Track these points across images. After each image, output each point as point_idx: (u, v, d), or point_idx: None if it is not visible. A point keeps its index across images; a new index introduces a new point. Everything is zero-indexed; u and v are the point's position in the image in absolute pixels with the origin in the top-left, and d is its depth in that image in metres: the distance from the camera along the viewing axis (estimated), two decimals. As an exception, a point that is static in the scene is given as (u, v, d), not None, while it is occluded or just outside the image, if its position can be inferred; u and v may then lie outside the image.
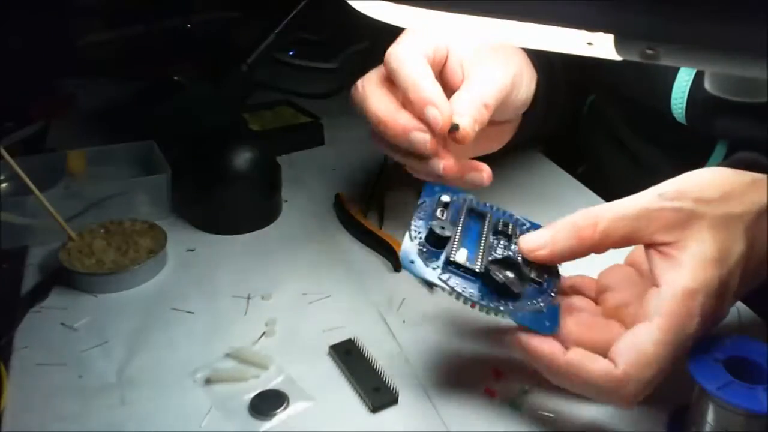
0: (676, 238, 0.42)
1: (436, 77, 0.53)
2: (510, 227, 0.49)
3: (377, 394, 0.48)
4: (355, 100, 0.54)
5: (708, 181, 0.45)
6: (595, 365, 0.42)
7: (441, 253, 0.46)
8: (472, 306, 0.45)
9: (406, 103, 0.51)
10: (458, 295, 0.44)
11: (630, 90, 0.70)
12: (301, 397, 0.49)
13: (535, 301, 0.45)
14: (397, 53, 0.52)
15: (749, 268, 0.44)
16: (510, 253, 0.47)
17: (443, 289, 0.45)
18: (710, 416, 0.41)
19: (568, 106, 0.76)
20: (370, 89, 0.53)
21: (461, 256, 0.46)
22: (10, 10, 1.01)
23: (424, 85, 0.50)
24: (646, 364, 0.41)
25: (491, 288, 0.45)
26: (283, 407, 0.48)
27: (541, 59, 0.64)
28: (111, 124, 0.92)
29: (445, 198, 0.50)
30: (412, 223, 0.47)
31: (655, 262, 0.43)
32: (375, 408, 0.48)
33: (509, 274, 0.45)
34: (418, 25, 0.52)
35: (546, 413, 0.48)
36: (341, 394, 0.49)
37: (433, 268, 0.45)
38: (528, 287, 0.46)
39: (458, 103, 0.51)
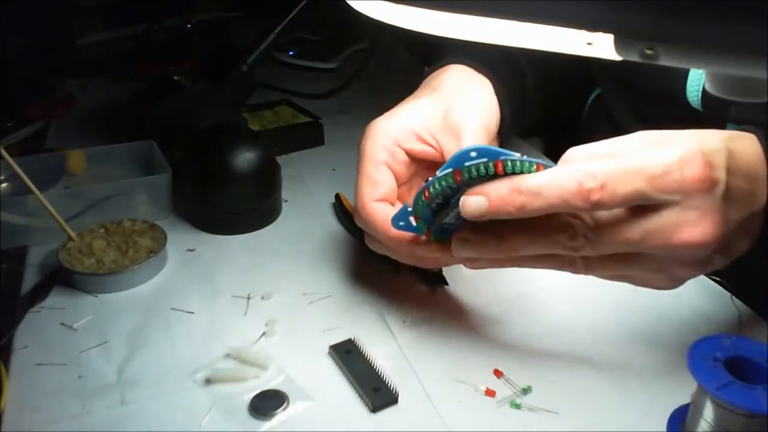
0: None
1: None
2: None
3: (377, 394, 0.48)
4: (362, 221, 0.55)
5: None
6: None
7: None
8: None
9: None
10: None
11: (643, 77, 0.70)
12: (301, 397, 0.49)
13: None
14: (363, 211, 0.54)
15: (736, 172, 0.44)
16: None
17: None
18: (710, 416, 0.41)
19: (568, 95, 0.77)
20: (372, 208, 0.54)
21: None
22: (10, 10, 1.01)
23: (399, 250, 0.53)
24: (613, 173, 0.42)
25: None
26: (283, 407, 0.48)
27: (508, 84, 0.63)
28: (111, 124, 0.92)
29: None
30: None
31: None
32: (375, 408, 0.48)
33: None
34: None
35: (546, 413, 0.48)
36: (341, 394, 0.49)
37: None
38: None
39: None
